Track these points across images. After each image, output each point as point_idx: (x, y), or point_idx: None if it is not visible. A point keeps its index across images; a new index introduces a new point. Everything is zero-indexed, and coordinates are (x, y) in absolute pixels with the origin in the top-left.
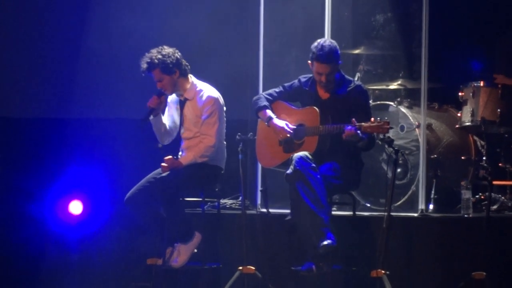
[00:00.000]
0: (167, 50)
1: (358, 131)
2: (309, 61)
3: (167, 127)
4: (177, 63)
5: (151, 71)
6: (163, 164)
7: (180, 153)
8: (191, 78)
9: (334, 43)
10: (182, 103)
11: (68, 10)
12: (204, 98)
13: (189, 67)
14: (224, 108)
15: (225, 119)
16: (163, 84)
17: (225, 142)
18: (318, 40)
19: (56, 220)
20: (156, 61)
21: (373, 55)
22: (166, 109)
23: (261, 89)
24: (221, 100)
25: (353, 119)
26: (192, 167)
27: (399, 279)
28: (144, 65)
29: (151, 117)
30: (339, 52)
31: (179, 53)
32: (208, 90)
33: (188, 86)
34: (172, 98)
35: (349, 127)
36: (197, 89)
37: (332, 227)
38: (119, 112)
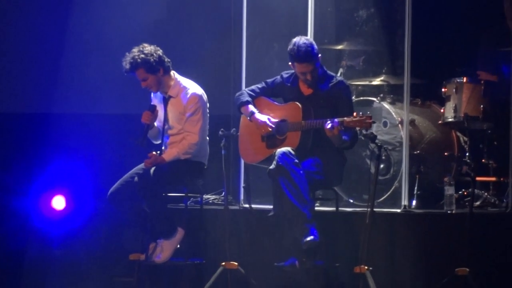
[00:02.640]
0: (148, 48)
1: (340, 125)
2: (290, 63)
3: (157, 127)
4: (160, 61)
5: (134, 71)
6: (146, 160)
7: (163, 148)
8: (174, 74)
9: (309, 39)
10: (165, 100)
11: (51, 4)
12: (188, 95)
13: (171, 63)
14: (208, 105)
15: (208, 115)
16: (147, 83)
17: (208, 138)
18: (293, 41)
19: (39, 215)
20: (139, 60)
21: (356, 51)
22: None
23: (243, 85)
24: (205, 97)
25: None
26: (175, 163)
27: (382, 275)
28: (127, 66)
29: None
30: (315, 47)
31: (160, 50)
32: (192, 87)
33: (172, 83)
34: (155, 95)
35: (331, 123)
36: (181, 86)
37: (315, 223)
38: (102, 107)
